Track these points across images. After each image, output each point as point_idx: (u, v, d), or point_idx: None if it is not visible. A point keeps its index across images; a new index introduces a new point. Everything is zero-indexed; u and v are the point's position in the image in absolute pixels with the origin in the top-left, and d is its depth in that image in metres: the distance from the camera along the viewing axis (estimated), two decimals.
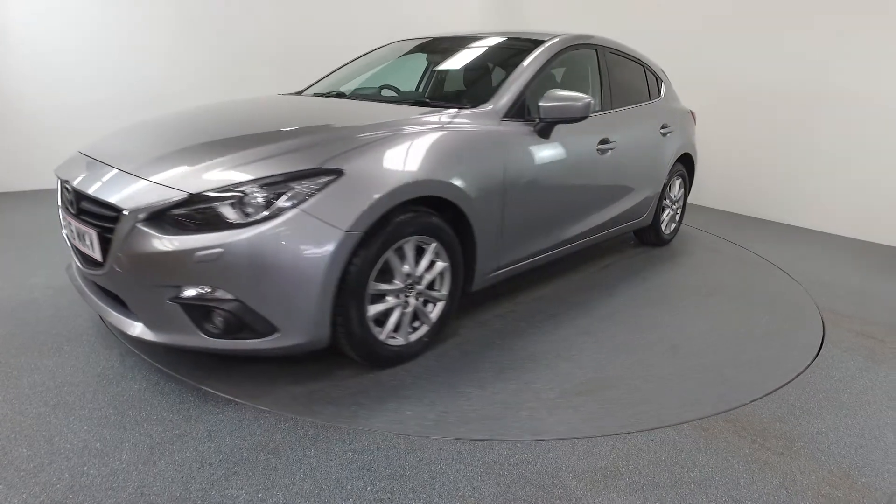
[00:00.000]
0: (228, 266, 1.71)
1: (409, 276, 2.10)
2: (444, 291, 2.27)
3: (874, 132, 4.58)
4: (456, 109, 2.38)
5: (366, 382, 2.10)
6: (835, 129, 4.79)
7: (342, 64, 3.59)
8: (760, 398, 2.17)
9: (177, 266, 1.73)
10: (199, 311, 1.81)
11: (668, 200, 4.02)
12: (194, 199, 1.74)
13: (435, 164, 2.10)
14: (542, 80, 2.79)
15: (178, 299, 1.78)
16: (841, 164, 4.79)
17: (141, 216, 1.75)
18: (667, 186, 3.89)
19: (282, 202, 1.76)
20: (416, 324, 2.25)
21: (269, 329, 1.83)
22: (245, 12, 5.57)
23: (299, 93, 3.27)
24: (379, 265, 1.98)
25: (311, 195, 1.79)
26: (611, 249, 3.99)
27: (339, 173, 1.85)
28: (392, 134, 2.08)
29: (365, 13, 6.21)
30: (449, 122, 2.28)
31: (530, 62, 2.71)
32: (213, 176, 1.80)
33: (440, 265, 2.21)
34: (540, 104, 2.49)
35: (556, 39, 2.93)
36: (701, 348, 2.55)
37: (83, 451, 1.66)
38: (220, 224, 1.73)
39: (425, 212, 2.10)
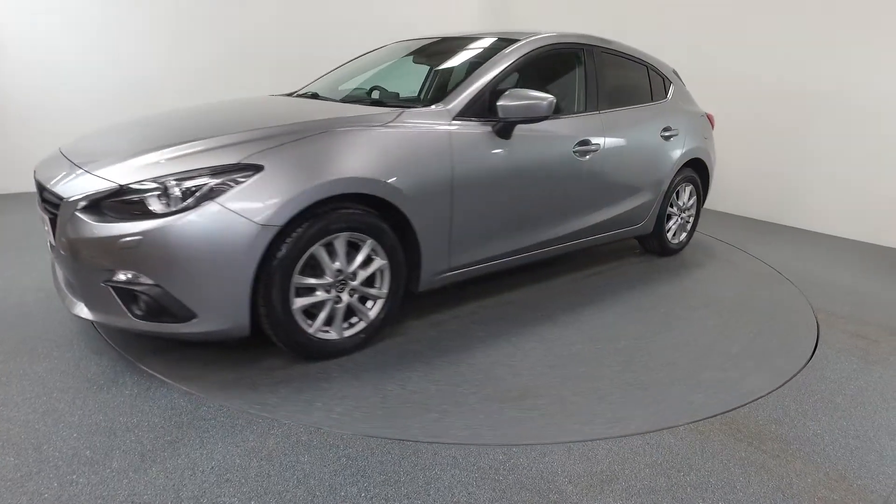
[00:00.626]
0: (148, 253, 1.84)
1: (339, 272, 2.15)
2: (384, 290, 2.29)
3: (870, 133, 4.60)
4: (401, 109, 2.37)
5: (293, 373, 2.14)
6: (830, 130, 4.81)
7: (337, 65, 3.58)
8: (756, 400, 2.17)
9: (106, 251, 1.88)
10: (126, 294, 1.93)
11: (674, 208, 3.81)
12: (123, 190, 1.88)
13: (364, 162, 2.12)
14: (521, 80, 2.86)
15: (109, 282, 1.92)
16: (832, 163, 4.82)
17: (79, 205, 1.90)
18: (671, 193, 3.69)
19: (199, 195, 1.86)
20: (354, 319, 2.28)
21: (187, 314, 1.93)
22: (243, 13, 5.54)
23: (291, 94, 3.26)
24: (304, 259, 2.03)
25: (229, 189, 1.87)
26: (609, 256, 3.87)
27: (259, 169, 1.92)
28: (321, 132, 2.10)
29: (365, 14, 6.19)
30: (390, 122, 2.27)
31: (492, 62, 2.66)
32: (143, 170, 1.93)
33: (378, 263, 2.24)
34: (498, 104, 2.46)
35: (526, 40, 2.83)
36: (660, 362, 2.39)
37: (72, 460, 1.63)
38: (145, 214, 1.86)
39: (357, 209, 2.12)
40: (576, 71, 3.15)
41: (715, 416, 2.04)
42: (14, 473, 1.57)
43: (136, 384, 2.03)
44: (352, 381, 2.12)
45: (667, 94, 3.71)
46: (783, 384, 2.30)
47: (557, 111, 2.90)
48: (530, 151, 2.69)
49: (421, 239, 2.32)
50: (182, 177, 1.88)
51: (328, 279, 2.13)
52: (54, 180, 2.05)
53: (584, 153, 2.97)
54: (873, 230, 4.69)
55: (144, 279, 1.88)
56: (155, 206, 1.86)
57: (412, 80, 3.37)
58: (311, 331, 2.14)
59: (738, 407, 2.11)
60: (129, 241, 1.84)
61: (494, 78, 2.60)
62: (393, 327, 2.54)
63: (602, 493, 1.62)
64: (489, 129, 2.52)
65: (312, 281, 2.09)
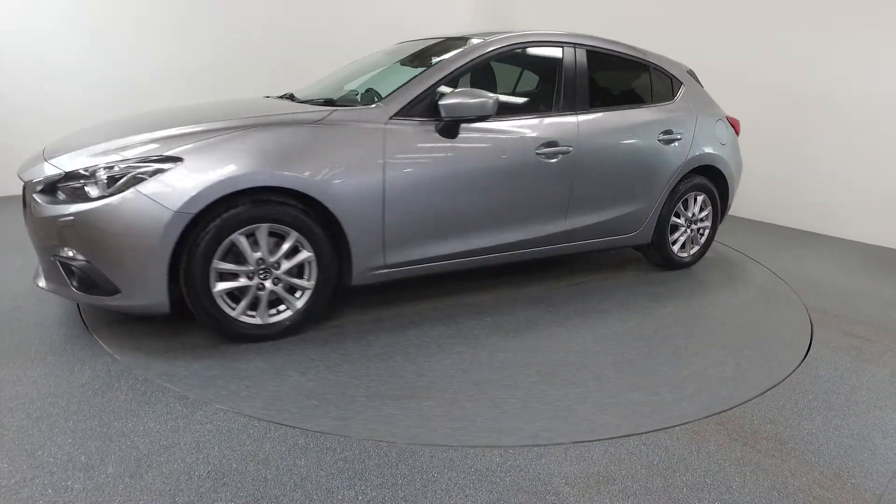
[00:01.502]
0: (80, 232, 2.10)
1: (261, 260, 2.28)
2: (311, 281, 2.39)
3: (862, 133, 4.64)
4: (333, 108, 2.47)
5: (213, 352, 2.27)
6: (822, 131, 4.84)
7: (337, 67, 3.58)
8: (751, 400, 2.18)
9: (50, 229, 2.15)
10: (67, 268, 2.19)
11: (681, 218, 3.55)
12: (69, 176, 2.16)
13: (281, 157, 2.22)
14: (488, 80, 2.92)
15: (56, 257, 2.19)
16: (825, 164, 4.85)
17: (36, 188, 2.21)
18: (675, 201, 3.45)
19: (122, 183, 2.08)
20: (283, 307, 2.40)
21: (112, 289, 2.16)
22: (241, 14, 5.52)
23: (283, 95, 3.26)
24: (224, 246, 2.19)
25: (150, 178, 2.08)
26: (606, 266, 3.68)
27: (178, 161, 2.12)
28: (243, 130, 2.24)
29: (364, 15, 6.18)
30: (318, 120, 2.37)
31: (442, 62, 2.68)
32: (86, 159, 2.18)
33: (304, 255, 2.35)
34: (440, 103, 2.48)
35: (482, 40, 2.81)
36: (587, 376, 2.26)
37: (67, 465, 1.62)
38: (82, 197, 2.11)
39: (276, 201, 2.23)
40: (551, 71, 3.05)
41: (710, 416, 2.05)
42: (8, 480, 1.56)
43: (132, 388, 2.02)
44: (261, 364, 2.22)
45: (674, 95, 3.47)
46: (778, 384, 2.32)
47: (520, 111, 2.90)
48: (480, 152, 2.65)
49: (349, 234, 2.38)
50: (109, 166, 2.11)
51: (249, 267, 2.26)
52: (25, 169, 2.36)
53: (552, 155, 2.85)
54: (865, 229, 4.72)
55: (78, 255, 2.14)
56: (92, 191, 2.11)
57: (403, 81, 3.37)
58: (233, 314, 2.28)
59: (734, 407, 2.12)
60: (65, 220, 2.10)
61: (444, 78, 2.62)
62: (333, 319, 2.62)
63: (599, 494, 1.63)
64: (431, 128, 2.53)
65: (232, 267, 2.24)
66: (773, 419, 2.06)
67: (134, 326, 2.48)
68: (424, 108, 2.54)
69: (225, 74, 5.47)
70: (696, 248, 3.71)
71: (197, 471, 1.63)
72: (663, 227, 3.48)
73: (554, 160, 2.87)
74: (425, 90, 2.56)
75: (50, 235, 2.16)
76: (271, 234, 2.28)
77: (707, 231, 3.71)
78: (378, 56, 3.47)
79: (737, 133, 3.78)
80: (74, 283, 2.21)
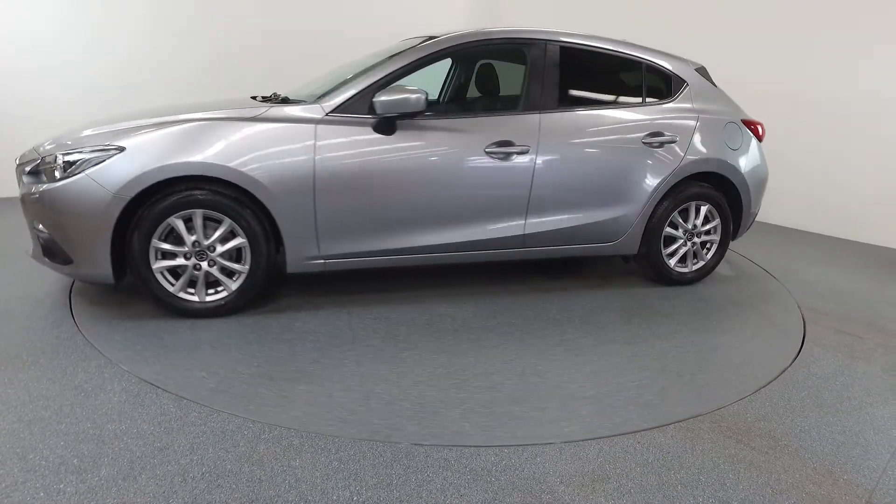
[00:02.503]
0: (43, 208, 2.42)
1: (196, 243, 2.49)
2: (246, 266, 2.57)
3: (853, 133, 4.68)
4: (270, 105, 2.62)
5: (150, 323, 2.53)
6: (812, 130, 4.88)
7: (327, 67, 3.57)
8: (745, 398, 2.19)
9: (27, 205, 2.50)
10: (37, 239, 2.54)
11: (679, 230, 3.26)
12: (43, 161, 2.44)
13: (217, 149, 2.41)
14: (444, 78, 2.95)
15: (35, 229, 2.52)
16: (815, 162, 4.89)
17: (25, 169, 2.51)
18: (669, 210, 3.17)
19: (75, 167, 2.37)
20: (221, 288, 2.60)
21: (67, 259, 2.46)
22: (240, 14, 5.50)
23: (267, 96, 3.26)
24: (161, 228, 2.43)
25: (96, 165, 2.34)
26: (595, 274, 3.46)
27: (121, 150, 2.36)
28: (182, 123, 2.46)
29: (367, 15, 6.16)
30: (255, 116, 2.52)
31: (385, 61, 2.72)
32: (55, 148, 2.48)
33: (238, 241, 2.53)
34: (373, 100, 2.55)
35: (435, 39, 2.82)
36: (488, 384, 2.16)
37: (59, 468, 1.61)
38: (52, 179, 2.40)
39: (213, 190, 2.44)
40: (515, 69, 2.99)
41: (704, 414, 2.07)
42: None
43: (125, 390, 2.01)
44: (182, 335, 2.43)
45: (673, 94, 3.19)
46: (771, 381, 2.33)
47: (474, 109, 2.91)
48: (420, 149, 2.65)
49: (280, 224, 2.54)
50: (66, 151, 2.41)
51: (185, 248, 2.49)
52: (23, 155, 2.66)
53: (506, 155, 2.77)
54: (856, 228, 4.76)
55: (43, 228, 2.47)
56: (57, 174, 2.39)
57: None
58: (172, 290, 2.52)
59: (727, 405, 2.14)
60: (34, 198, 2.43)
61: (386, 76, 2.65)
62: (275, 302, 2.82)
63: (594, 493, 1.63)
64: (368, 125, 2.59)
65: (170, 247, 2.47)
66: (766, 416, 2.07)
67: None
68: (364, 105, 2.59)
69: (225, 75, 5.44)
70: (701, 263, 3.36)
71: (191, 472, 1.62)
72: (654, 238, 3.19)
73: (508, 160, 2.78)
74: (364, 88, 2.61)
75: (28, 211, 2.52)
76: (214, 220, 2.49)
77: (714, 246, 3.36)
78: (371, 56, 3.47)
79: (759, 138, 3.40)
80: (45, 253, 2.53)
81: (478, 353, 2.43)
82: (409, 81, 2.72)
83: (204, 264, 2.53)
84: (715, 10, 5.31)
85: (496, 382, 2.21)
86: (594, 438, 1.88)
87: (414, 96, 2.52)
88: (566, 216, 3.00)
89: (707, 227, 3.31)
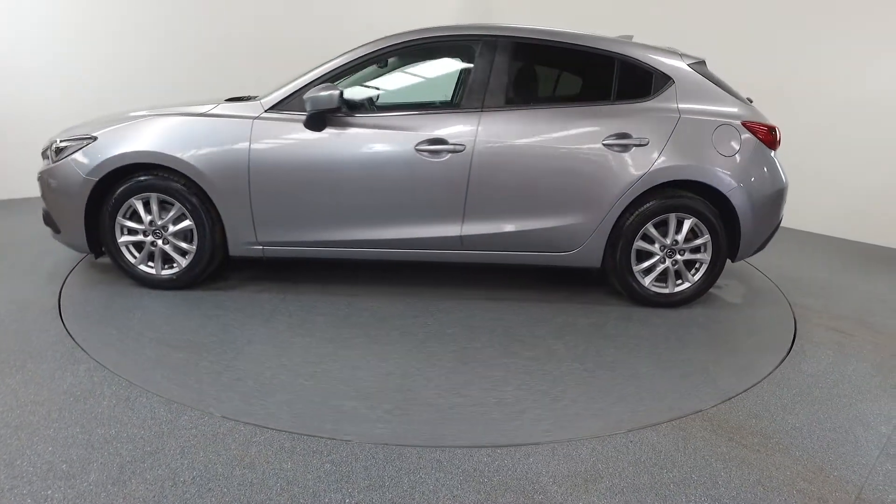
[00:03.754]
0: (42, 185, 2.91)
1: (152, 222, 2.82)
2: (193, 246, 2.85)
3: (841, 131, 4.72)
4: (218, 102, 2.87)
5: (103, 289, 2.90)
6: (800, 128, 4.92)
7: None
8: (736, 395, 2.20)
9: (38, 181, 2.95)
10: (42, 211, 2.99)
11: (655, 244, 2.91)
12: (49, 146, 2.92)
13: (166, 140, 2.72)
14: (386, 76, 2.99)
15: (42, 202, 2.98)
16: (803, 161, 4.92)
17: (46, 154, 2.95)
18: (640, 221, 2.84)
19: (64, 152, 2.80)
20: (175, 264, 2.90)
21: (57, 229, 2.91)
22: (226, 14, 5.46)
23: (242, 97, 3.27)
24: (123, 207, 2.79)
25: (76, 151, 2.77)
26: (561, 287, 3.19)
27: (94, 139, 2.77)
28: (143, 118, 2.81)
29: (355, 13, 6.14)
30: (205, 112, 2.80)
31: (328, 61, 2.83)
32: (58, 136, 2.92)
33: (186, 223, 2.82)
34: (303, 97, 2.69)
35: (377, 38, 2.86)
36: (347, 377, 2.15)
37: (47, 474, 1.59)
38: (49, 162, 2.88)
39: (165, 176, 2.75)
40: (459, 66, 2.93)
41: (696, 412, 2.07)
42: None
43: (115, 394, 1.99)
44: (127, 301, 2.77)
45: (652, 92, 2.88)
46: (762, 379, 2.34)
47: (412, 107, 2.86)
48: (348, 145, 2.73)
49: (220, 210, 2.79)
50: (64, 138, 2.85)
51: (143, 226, 2.83)
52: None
53: (439, 154, 2.71)
54: (845, 226, 4.80)
55: (43, 201, 2.93)
56: (53, 157, 2.85)
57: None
58: (133, 262, 2.88)
59: (720, 403, 2.15)
60: (39, 176, 2.91)
61: (324, 75, 2.78)
62: (225, 281, 3.08)
63: (587, 493, 1.63)
64: (299, 122, 2.73)
65: (131, 224, 2.83)
66: (757, 414, 2.08)
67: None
68: (300, 103, 2.73)
69: (219, 75, 5.40)
70: (685, 285, 2.98)
71: (182, 476, 1.61)
72: (621, 252, 2.90)
73: (440, 159, 2.72)
74: (299, 87, 2.75)
75: (38, 186, 2.97)
76: (169, 203, 2.81)
77: (703, 266, 2.95)
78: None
79: (769, 144, 2.92)
80: (47, 225, 2.96)
81: (366, 347, 2.43)
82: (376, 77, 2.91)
83: (160, 242, 2.85)
84: (716, 7, 5.34)
85: (352, 377, 2.20)
86: (586, 438, 1.89)
87: (325, 93, 2.61)
88: (510, 221, 2.83)
89: (694, 243, 2.91)
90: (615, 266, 2.95)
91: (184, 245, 2.85)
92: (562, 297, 3.12)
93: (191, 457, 1.69)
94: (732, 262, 3.06)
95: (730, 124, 2.87)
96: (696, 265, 2.98)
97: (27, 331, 2.43)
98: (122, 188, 2.75)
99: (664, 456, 1.82)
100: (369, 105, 2.99)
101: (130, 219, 2.82)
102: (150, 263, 2.88)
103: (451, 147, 2.71)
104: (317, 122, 2.71)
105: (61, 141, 2.83)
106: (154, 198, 2.78)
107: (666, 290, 3.00)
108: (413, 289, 3.10)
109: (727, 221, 2.91)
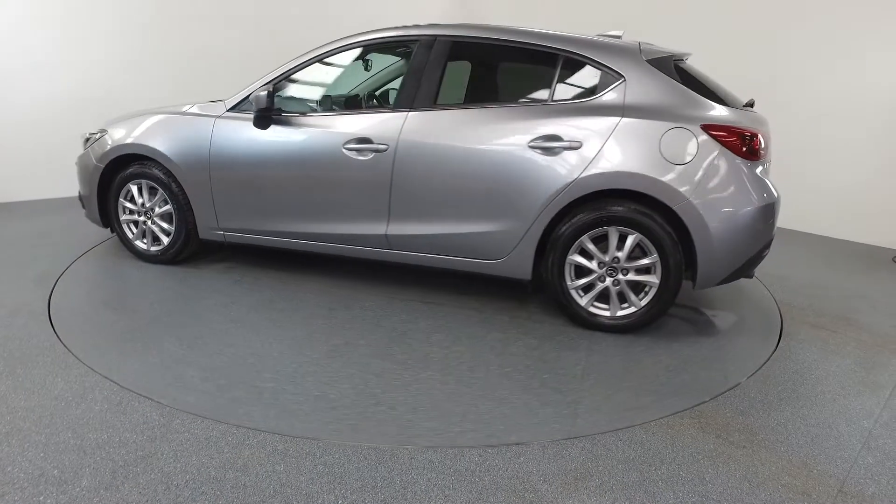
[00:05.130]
0: (76, 170, 3.44)
1: (143, 205, 3.25)
2: (173, 227, 3.23)
3: (828, 129, 4.79)
4: (193, 104, 3.18)
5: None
6: (786, 127, 4.99)
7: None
8: (723, 393, 2.24)
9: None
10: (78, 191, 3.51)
11: (593, 261, 2.60)
12: (86, 135, 3.46)
13: (152, 135, 3.13)
14: (335, 77, 3.13)
15: None
16: (789, 159, 5.00)
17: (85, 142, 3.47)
18: (574, 233, 2.57)
19: (90, 143, 3.37)
20: (160, 242, 3.31)
21: (83, 206, 3.46)
22: (217, 14, 5.44)
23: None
24: (123, 191, 3.25)
25: (95, 142, 3.31)
26: (482, 297, 2.98)
27: (105, 132, 3.28)
28: (139, 116, 3.26)
29: (347, 15, 6.14)
30: (182, 112, 3.15)
31: (283, 65, 3.00)
32: (93, 127, 3.46)
33: (167, 207, 3.20)
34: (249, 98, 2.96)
35: (331, 42, 2.99)
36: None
37: (39, 480, 1.59)
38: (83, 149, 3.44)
39: (151, 165, 3.14)
40: (396, 66, 2.96)
41: (684, 410, 2.11)
42: None
43: (106, 399, 1.99)
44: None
45: (598, 91, 2.60)
46: (749, 376, 2.39)
47: (348, 107, 3.02)
48: (287, 143, 2.91)
49: (190, 197, 3.13)
50: (92, 132, 3.38)
51: (136, 208, 3.27)
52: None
53: (364, 153, 2.74)
54: (829, 224, 4.88)
55: (78, 183, 3.46)
56: (84, 145, 3.42)
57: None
58: (131, 238, 3.35)
59: (707, 400, 2.18)
60: (75, 161, 3.44)
61: (276, 78, 2.97)
62: (198, 262, 3.41)
63: (577, 491, 1.66)
64: (250, 121, 2.95)
65: (129, 205, 3.28)
66: (744, 411, 2.12)
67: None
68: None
69: (201, 75, 5.38)
70: (630, 309, 2.63)
71: (175, 480, 1.62)
72: (553, 265, 2.65)
73: (365, 158, 2.74)
74: (256, 89, 2.94)
75: None
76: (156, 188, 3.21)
77: (652, 290, 2.58)
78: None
79: (738, 151, 2.46)
80: (79, 199, 3.49)
81: (256, 330, 2.61)
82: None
83: (149, 222, 3.26)
84: (712, 6, 5.40)
85: (215, 351, 2.38)
86: (577, 437, 1.91)
87: (260, 94, 2.81)
88: (434, 223, 2.74)
89: (639, 263, 2.56)
90: (548, 280, 2.71)
91: (165, 226, 3.25)
92: (503, 308, 2.91)
93: (184, 460, 1.70)
94: (695, 289, 2.65)
95: (684, 127, 2.48)
96: (646, 288, 2.62)
97: (17, 336, 2.42)
98: (120, 175, 3.22)
99: (653, 453, 1.85)
100: (312, 105, 3.18)
101: (129, 201, 3.26)
102: (144, 240, 3.32)
103: (374, 146, 2.73)
104: (262, 121, 2.93)
105: (89, 132, 3.39)
106: (144, 184, 3.20)
107: (606, 313, 2.67)
108: (355, 282, 3.18)
109: (688, 241, 2.51)
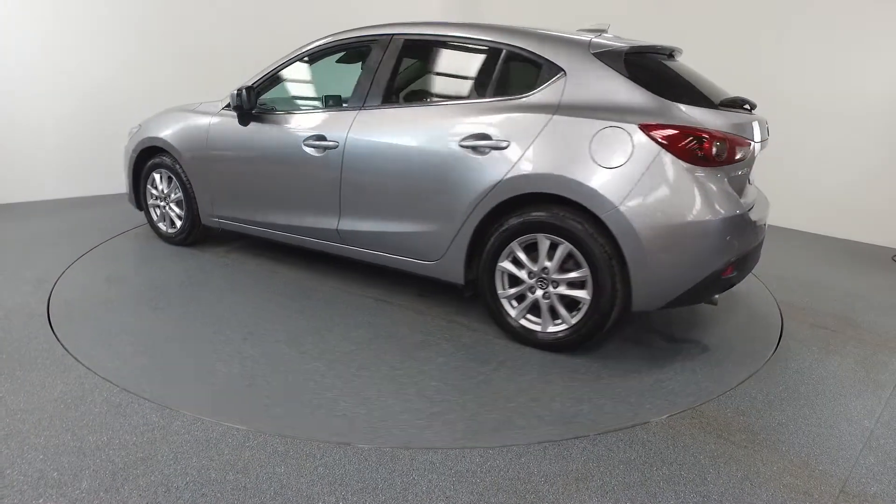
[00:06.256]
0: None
1: (162, 191, 3.65)
2: (182, 213, 3.59)
3: (823, 127, 4.79)
4: (202, 102, 3.51)
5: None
6: (783, 126, 4.99)
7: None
8: (724, 393, 2.24)
9: None
10: None
11: (522, 270, 2.42)
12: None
13: (166, 129, 3.51)
14: (314, 78, 3.31)
15: None
16: (785, 158, 5.00)
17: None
18: (503, 239, 2.42)
19: (132, 132, 3.82)
20: (175, 226, 3.69)
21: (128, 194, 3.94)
22: (210, 13, 5.43)
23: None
24: (150, 178, 3.69)
25: (134, 134, 3.77)
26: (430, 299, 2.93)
27: (140, 127, 3.73)
28: (165, 112, 3.67)
29: (343, 16, 6.13)
30: (194, 108, 3.48)
31: (266, 67, 3.20)
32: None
33: (178, 194, 3.56)
34: None
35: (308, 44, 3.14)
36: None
37: (38, 482, 1.59)
38: None
39: (169, 156, 3.52)
40: (357, 66, 3.00)
41: (685, 410, 2.10)
42: None
43: (106, 401, 1.98)
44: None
45: (536, 87, 2.42)
46: (750, 376, 2.38)
47: (302, 106, 3.26)
48: (260, 140, 3.12)
49: (193, 186, 3.46)
50: (134, 126, 3.82)
51: (158, 193, 3.68)
52: None
53: (319, 149, 2.84)
54: (828, 223, 4.88)
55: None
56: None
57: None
58: (154, 220, 3.78)
59: (708, 400, 2.18)
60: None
61: (261, 80, 3.16)
62: (204, 245, 3.74)
63: (577, 492, 1.65)
64: (236, 119, 3.18)
65: (153, 191, 3.71)
66: (745, 411, 2.12)
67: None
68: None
69: (208, 76, 5.37)
70: (562, 326, 2.39)
71: (175, 482, 1.61)
72: (483, 271, 2.52)
73: (320, 154, 2.85)
74: (244, 88, 3.10)
75: None
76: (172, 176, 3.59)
77: (585, 307, 2.32)
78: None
79: (685, 156, 2.16)
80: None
81: (187, 304, 2.85)
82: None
83: (167, 207, 3.66)
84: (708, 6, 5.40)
85: (132, 321, 2.65)
86: (578, 437, 1.91)
87: (234, 93, 3.06)
88: (377, 220, 2.76)
89: (569, 276, 2.33)
90: (479, 287, 2.58)
91: (178, 211, 3.60)
92: (448, 312, 2.83)
93: (184, 462, 1.69)
94: (629, 310, 2.31)
95: (618, 127, 2.22)
96: (580, 305, 2.35)
97: (16, 338, 2.42)
98: (147, 164, 3.65)
99: (654, 454, 1.84)
100: (284, 104, 3.32)
101: (154, 187, 3.68)
102: (164, 223, 3.72)
103: (326, 143, 2.84)
104: (243, 118, 3.15)
105: (133, 127, 3.78)
106: (163, 172, 3.59)
107: (538, 328, 2.45)
108: (328, 275, 3.30)
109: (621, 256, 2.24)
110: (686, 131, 2.19)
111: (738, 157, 2.29)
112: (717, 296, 2.44)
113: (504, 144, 2.38)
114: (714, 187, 2.22)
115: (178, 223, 3.62)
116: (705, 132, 2.20)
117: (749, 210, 2.39)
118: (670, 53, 2.77)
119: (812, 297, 3.38)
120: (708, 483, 1.72)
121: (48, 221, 4.22)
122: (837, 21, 4.61)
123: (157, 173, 3.60)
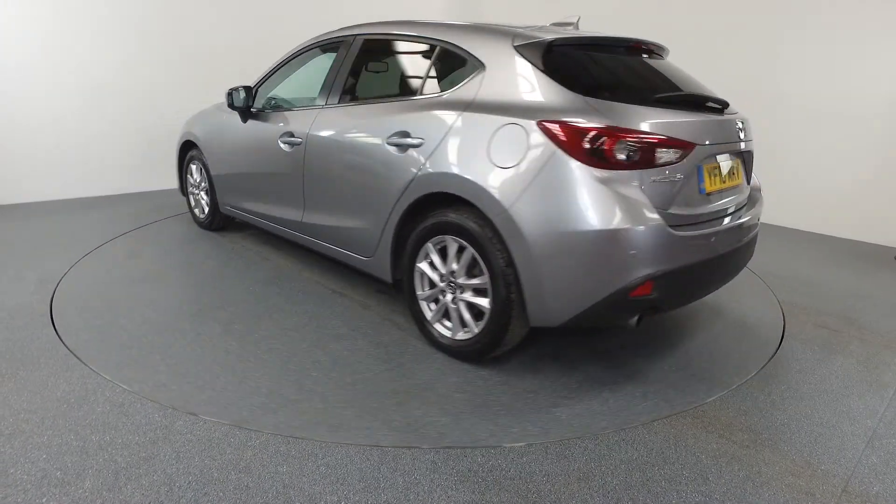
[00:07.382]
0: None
1: (196, 180, 4.10)
2: (208, 199, 4.01)
3: (825, 127, 4.78)
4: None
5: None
6: (777, 125, 4.98)
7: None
8: (726, 392, 2.23)
9: None
10: None
11: (435, 272, 2.35)
12: None
13: (197, 125, 3.98)
14: (302, 78, 3.40)
15: None
16: (785, 158, 4.99)
17: None
18: (418, 240, 2.36)
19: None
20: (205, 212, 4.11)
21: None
22: (212, 12, 5.44)
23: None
24: (187, 169, 4.18)
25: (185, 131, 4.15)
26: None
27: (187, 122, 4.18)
28: (206, 109, 4.04)
29: (348, 13, 6.14)
30: (220, 107, 3.72)
31: (269, 67, 3.44)
32: None
33: (206, 184, 3.98)
34: None
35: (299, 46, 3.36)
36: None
37: (42, 482, 1.59)
38: None
39: (195, 148, 3.98)
40: (329, 65, 3.05)
41: (687, 410, 2.10)
42: None
43: (108, 401, 1.99)
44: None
45: (459, 83, 2.33)
46: (752, 375, 2.38)
47: (283, 104, 3.34)
48: (252, 136, 3.37)
49: (212, 174, 3.84)
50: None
51: (193, 181, 4.15)
52: None
53: (289, 145, 3.06)
54: (830, 223, 4.87)
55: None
56: None
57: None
58: (192, 205, 4.25)
59: (710, 400, 2.18)
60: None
61: (262, 79, 3.42)
62: (236, 232, 4.12)
63: (579, 491, 1.65)
64: (238, 115, 3.46)
65: (191, 180, 4.16)
66: (747, 411, 2.12)
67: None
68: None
69: (196, 72, 5.39)
70: (469, 334, 2.27)
71: (177, 482, 1.61)
72: (405, 272, 2.48)
73: (290, 150, 3.05)
74: (242, 87, 3.33)
75: None
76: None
77: (486, 316, 2.19)
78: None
79: (585, 156, 1.91)
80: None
81: (161, 286, 2.90)
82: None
83: (199, 196, 4.10)
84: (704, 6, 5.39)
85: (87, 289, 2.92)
86: (579, 437, 1.91)
87: (232, 92, 3.32)
88: (328, 213, 2.87)
89: (472, 282, 2.22)
90: (402, 284, 2.53)
91: (206, 198, 4.01)
92: (395, 311, 2.84)
93: (186, 462, 1.69)
94: (533, 326, 2.14)
95: (517, 124, 2.05)
96: (484, 313, 2.21)
97: (19, 338, 2.42)
98: (185, 154, 4.12)
99: (655, 453, 1.84)
100: (273, 102, 3.43)
101: (191, 176, 4.13)
102: (197, 210, 4.19)
103: (294, 140, 3.02)
104: (243, 115, 3.42)
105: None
106: (196, 162, 4.01)
107: (448, 333, 2.35)
108: (314, 265, 3.46)
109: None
110: (577, 128, 1.94)
111: (662, 159, 1.99)
112: (634, 319, 2.09)
113: (418, 142, 2.33)
114: (621, 193, 1.92)
115: (206, 210, 4.04)
116: (596, 129, 1.93)
117: (700, 221, 2.10)
118: (649, 49, 2.52)
119: (814, 296, 3.37)
120: (710, 483, 1.72)
121: (49, 222, 4.24)
122: (837, 21, 4.60)
123: (193, 164, 4.04)
